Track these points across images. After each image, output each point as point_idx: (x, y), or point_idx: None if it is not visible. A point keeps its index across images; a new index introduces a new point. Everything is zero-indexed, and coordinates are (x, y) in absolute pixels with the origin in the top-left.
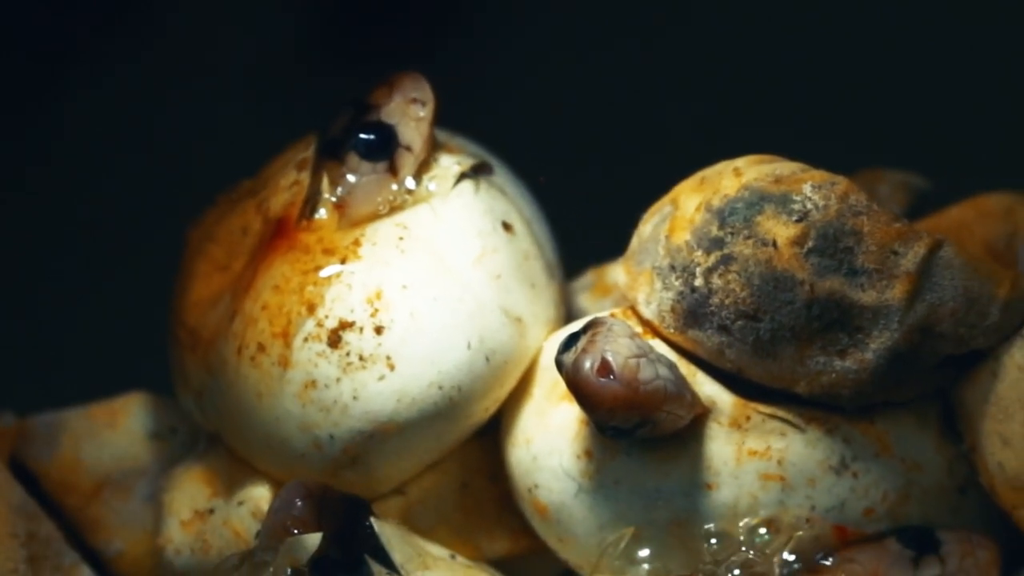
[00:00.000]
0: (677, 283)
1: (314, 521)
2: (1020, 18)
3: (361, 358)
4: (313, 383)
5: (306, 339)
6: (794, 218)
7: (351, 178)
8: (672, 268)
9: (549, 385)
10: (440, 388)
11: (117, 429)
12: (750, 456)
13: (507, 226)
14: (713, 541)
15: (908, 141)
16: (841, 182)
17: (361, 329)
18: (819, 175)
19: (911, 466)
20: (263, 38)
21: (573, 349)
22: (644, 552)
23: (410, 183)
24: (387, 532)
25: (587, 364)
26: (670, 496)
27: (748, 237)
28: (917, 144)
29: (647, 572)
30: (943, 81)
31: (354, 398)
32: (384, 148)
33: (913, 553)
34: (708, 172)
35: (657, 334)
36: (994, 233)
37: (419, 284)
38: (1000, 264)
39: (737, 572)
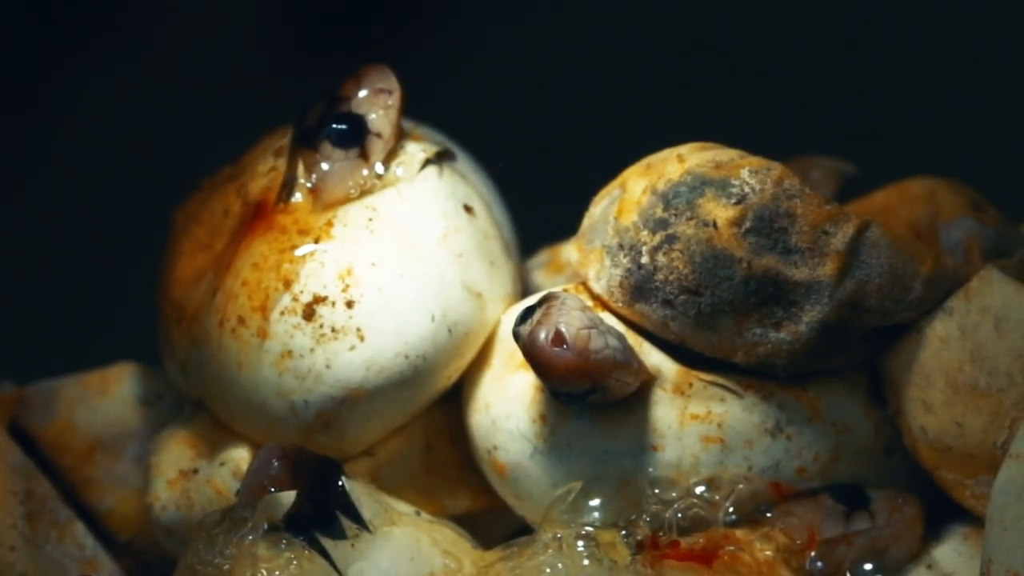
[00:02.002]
0: (625, 260)
1: (289, 480)
2: (945, 14)
3: (333, 330)
4: (289, 353)
5: (283, 312)
6: (733, 201)
7: (324, 165)
8: (620, 247)
9: (507, 355)
10: (406, 357)
11: (109, 396)
12: (692, 420)
13: (468, 208)
14: (657, 491)
15: (840, 130)
16: (776, 168)
17: (333, 303)
18: (756, 161)
19: (841, 429)
20: (242, 39)
21: (529, 321)
22: (594, 503)
23: (379, 168)
24: (357, 490)
25: (542, 335)
26: (618, 456)
27: (690, 218)
28: (848, 133)
29: (597, 520)
30: (873, 76)
31: (327, 367)
32: (355, 136)
33: (845, 508)
34: (654, 158)
35: (607, 308)
36: (917, 215)
37: (387, 262)
38: (923, 243)
39: (681, 516)
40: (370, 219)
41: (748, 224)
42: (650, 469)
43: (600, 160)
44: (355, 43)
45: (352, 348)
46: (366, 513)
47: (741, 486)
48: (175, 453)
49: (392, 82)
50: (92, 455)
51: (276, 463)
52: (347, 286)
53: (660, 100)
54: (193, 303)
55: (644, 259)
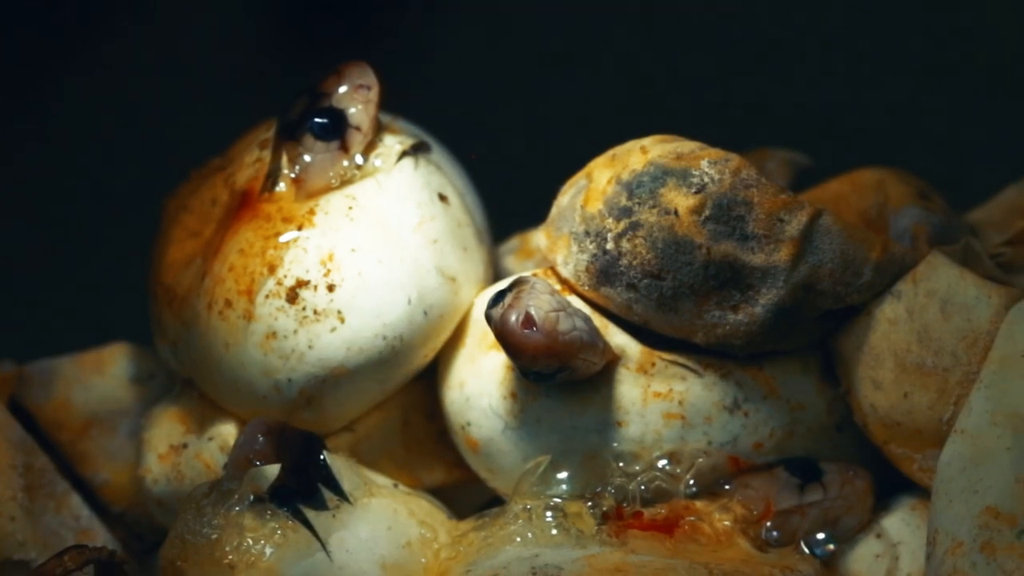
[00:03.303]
0: (591, 247)
1: (274, 455)
2: (891, 10)
3: (315, 312)
4: (273, 334)
5: (267, 296)
6: (693, 190)
7: (307, 156)
8: (587, 233)
9: (479, 336)
10: (384, 338)
11: (103, 375)
12: (655, 397)
13: (442, 197)
14: (621, 464)
15: (792, 123)
16: (734, 159)
17: (315, 287)
18: (715, 153)
19: (795, 406)
20: (230, 38)
21: (501, 304)
22: (562, 475)
23: (358, 160)
24: (338, 464)
25: (513, 317)
26: (585, 432)
27: (653, 206)
28: (800, 126)
29: (565, 492)
30: (823, 72)
31: (309, 347)
32: (336, 129)
33: (799, 481)
34: (618, 150)
35: (574, 291)
36: (867, 203)
37: (366, 248)
38: (872, 230)
39: (644, 488)
40: (350, 207)
41: (707, 212)
42: (615, 444)
43: (568, 151)
44: (336, 42)
45: (333, 329)
46: (346, 485)
47: (701, 460)
48: (166, 429)
49: (371, 78)
50: (88, 431)
51: (261, 438)
52: (328, 271)
53: (625, 94)
54: (183, 287)
55: (609, 245)
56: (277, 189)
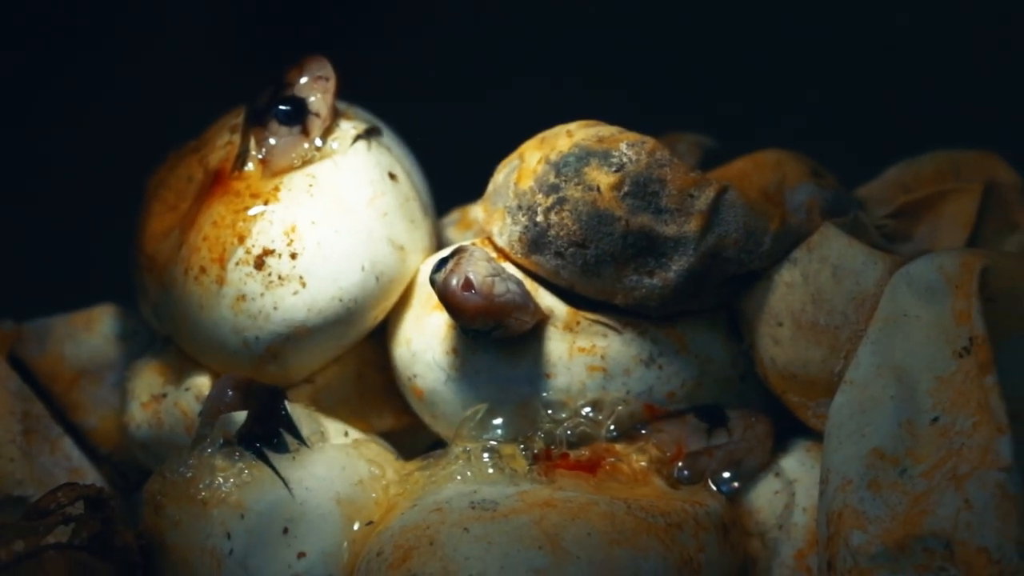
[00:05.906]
0: (523, 219)
1: (242, 404)
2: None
3: (280, 277)
4: (243, 297)
5: (237, 263)
6: (613, 169)
7: (272, 139)
8: (519, 207)
9: (424, 298)
10: (341, 300)
11: (92, 332)
12: (580, 352)
13: (392, 175)
14: (550, 411)
15: (704, 112)
16: (649, 141)
17: (280, 255)
18: (632, 136)
19: (703, 360)
20: (206, 36)
21: (443, 270)
22: (497, 421)
23: (318, 143)
24: (298, 412)
25: (454, 281)
26: (518, 383)
27: (578, 184)
28: (711, 114)
29: (500, 436)
30: (734, 64)
31: (275, 308)
32: (298, 116)
33: (707, 426)
34: (547, 133)
35: (508, 258)
36: (767, 180)
37: (325, 220)
38: (772, 204)
39: (570, 433)
40: (310, 185)
41: (626, 188)
42: (544, 393)
43: (502, 135)
44: (298, 38)
45: (296, 293)
46: (305, 431)
47: (620, 407)
48: (147, 380)
49: (329, 70)
50: (78, 382)
51: (230, 391)
52: (291, 241)
53: (552, 83)
54: (163, 255)
55: (539, 218)
56: (246, 168)
